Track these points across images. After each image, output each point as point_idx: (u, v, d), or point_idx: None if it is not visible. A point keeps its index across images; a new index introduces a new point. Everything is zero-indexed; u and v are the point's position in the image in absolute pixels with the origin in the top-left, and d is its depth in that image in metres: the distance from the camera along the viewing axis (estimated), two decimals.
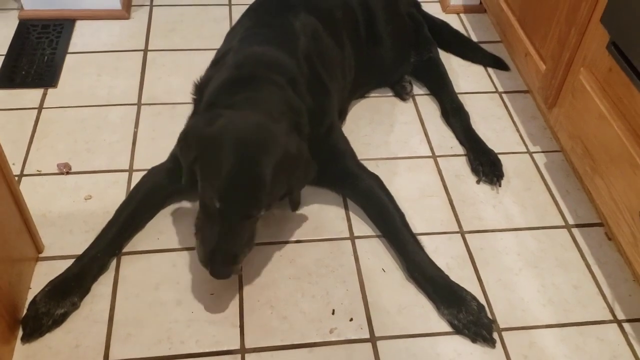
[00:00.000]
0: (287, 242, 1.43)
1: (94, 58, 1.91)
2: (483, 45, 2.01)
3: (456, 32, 2.03)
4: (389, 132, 1.73)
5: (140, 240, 1.41)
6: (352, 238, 1.46)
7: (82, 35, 1.98)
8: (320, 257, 1.41)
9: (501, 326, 1.31)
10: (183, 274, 1.35)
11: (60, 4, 2.01)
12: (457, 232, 1.49)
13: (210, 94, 1.32)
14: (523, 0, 1.72)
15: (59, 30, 1.99)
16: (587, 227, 1.52)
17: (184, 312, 1.29)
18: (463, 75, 1.93)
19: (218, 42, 1.63)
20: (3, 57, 1.87)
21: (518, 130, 1.77)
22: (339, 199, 1.54)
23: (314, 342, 1.26)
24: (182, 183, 1.27)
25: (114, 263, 1.36)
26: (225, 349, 1.24)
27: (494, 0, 1.92)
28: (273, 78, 1.31)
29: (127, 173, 1.57)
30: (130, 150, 1.62)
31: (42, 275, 1.31)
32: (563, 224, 1.53)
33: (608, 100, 1.29)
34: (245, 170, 1.17)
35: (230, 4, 2.16)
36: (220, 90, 1.31)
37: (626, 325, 1.33)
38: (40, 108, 1.73)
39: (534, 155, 1.70)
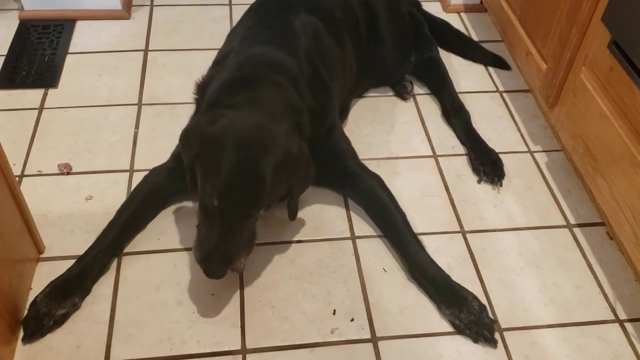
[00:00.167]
0: (288, 242, 1.43)
1: (94, 58, 1.91)
2: (484, 45, 2.01)
3: (457, 32, 2.03)
4: (390, 132, 1.73)
5: (141, 240, 1.41)
6: (353, 238, 1.46)
7: (83, 36, 1.98)
8: (321, 257, 1.41)
9: (503, 326, 1.30)
10: (184, 275, 1.35)
11: (61, 4, 2.01)
12: (458, 232, 1.49)
13: (212, 94, 1.32)
14: None
15: (59, 31, 1.99)
16: (589, 226, 1.52)
17: (184, 313, 1.29)
18: (464, 74, 1.93)
19: (218, 42, 1.63)
20: (3, 58, 1.87)
21: (519, 130, 1.76)
22: (340, 199, 1.53)
23: (315, 343, 1.26)
24: (185, 182, 1.27)
25: (114, 263, 1.36)
26: (226, 349, 1.24)
27: None
28: (274, 78, 1.31)
29: (127, 173, 1.56)
30: (131, 150, 1.62)
31: (43, 276, 1.31)
32: (564, 223, 1.53)
33: (609, 99, 1.28)
34: (246, 169, 1.16)
35: (230, 4, 2.16)
36: (222, 91, 1.31)
37: (628, 325, 1.33)
38: (40, 108, 1.73)
39: (535, 154, 1.70)
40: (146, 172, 1.47)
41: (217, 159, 1.17)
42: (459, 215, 1.52)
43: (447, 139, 1.72)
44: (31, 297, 1.27)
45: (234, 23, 1.68)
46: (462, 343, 1.27)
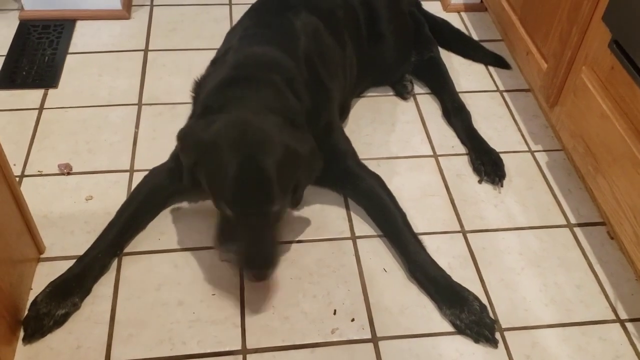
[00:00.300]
0: (288, 242, 1.43)
1: (94, 58, 1.91)
2: (484, 44, 2.01)
3: (457, 31, 2.03)
4: (390, 132, 1.73)
5: (142, 240, 1.41)
6: (354, 238, 1.46)
7: (83, 36, 1.98)
8: (321, 257, 1.40)
9: (503, 326, 1.30)
10: (184, 275, 1.35)
11: (61, 4, 2.01)
12: (458, 232, 1.48)
13: (206, 94, 1.32)
14: None
15: (59, 31, 1.98)
16: (590, 226, 1.52)
17: (185, 313, 1.29)
18: (464, 74, 1.93)
19: (218, 42, 1.63)
20: (4, 58, 1.87)
21: (519, 129, 1.76)
22: (340, 199, 1.53)
23: (316, 343, 1.25)
24: (184, 183, 1.27)
25: (115, 264, 1.36)
26: (226, 349, 1.24)
27: None
28: (270, 78, 1.30)
29: (128, 173, 1.56)
30: (131, 150, 1.62)
31: (43, 276, 1.31)
32: (565, 223, 1.52)
33: (610, 99, 1.28)
34: (247, 171, 1.16)
35: (230, 4, 2.16)
36: (216, 90, 1.30)
37: (629, 325, 1.32)
38: (41, 108, 1.73)
39: (535, 154, 1.69)
40: (146, 172, 1.47)
41: (216, 166, 1.17)
42: (460, 215, 1.52)
43: (447, 139, 1.72)
44: (31, 297, 1.27)
45: (234, 23, 1.67)
46: (462, 343, 1.27)
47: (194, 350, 1.23)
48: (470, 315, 1.28)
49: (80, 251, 1.33)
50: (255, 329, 1.27)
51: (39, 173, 1.55)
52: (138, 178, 1.48)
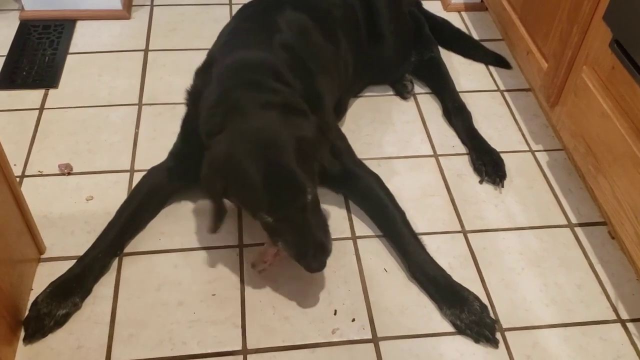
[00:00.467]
0: None
1: (94, 58, 1.91)
2: (484, 44, 2.01)
3: (457, 30, 2.02)
4: (391, 132, 1.73)
5: (142, 240, 1.41)
6: (354, 238, 1.46)
7: (83, 36, 1.98)
8: None
9: (504, 326, 1.30)
10: (185, 275, 1.35)
11: (61, 4, 2.01)
12: (459, 232, 1.48)
13: (205, 122, 1.28)
14: None
15: (59, 31, 1.98)
16: (590, 225, 1.52)
17: (185, 313, 1.29)
18: (464, 73, 1.92)
19: None
20: (4, 58, 1.87)
21: (520, 129, 1.76)
22: (340, 199, 1.53)
23: (316, 343, 1.25)
24: (217, 216, 1.25)
25: (115, 264, 1.36)
26: (227, 349, 1.24)
27: None
28: (256, 79, 1.28)
29: (128, 173, 1.56)
30: (131, 150, 1.62)
31: (44, 277, 1.31)
32: (566, 223, 1.52)
33: (611, 98, 1.28)
34: (272, 174, 1.16)
35: (230, 4, 2.15)
36: (211, 114, 1.27)
37: (630, 325, 1.32)
38: (41, 109, 1.73)
39: (536, 153, 1.69)
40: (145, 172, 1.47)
41: (243, 182, 1.17)
42: (460, 215, 1.52)
43: (447, 139, 1.72)
44: (32, 298, 1.27)
45: None
46: (463, 343, 1.27)
47: (194, 350, 1.23)
48: (470, 315, 1.28)
49: (81, 251, 1.33)
50: (255, 329, 1.27)
51: (40, 173, 1.55)
52: (138, 178, 1.48)
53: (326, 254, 1.22)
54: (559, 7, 1.49)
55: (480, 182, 1.60)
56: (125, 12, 2.06)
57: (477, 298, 1.31)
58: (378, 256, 1.42)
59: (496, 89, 1.89)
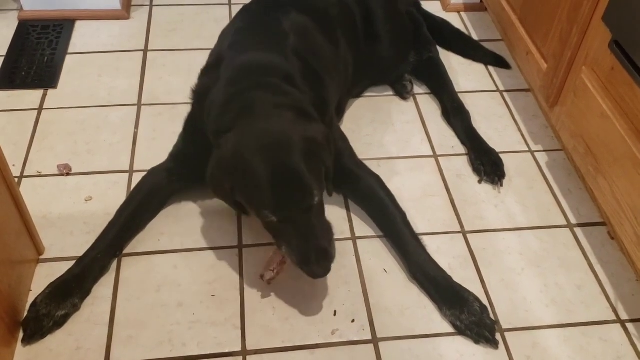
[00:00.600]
0: None
1: (94, 58, 1.90)
2: (484, 44, 2.01)
3: (457, 31, 2.02)
4: (390, 132, 1.73)
5: (141, 241, 1.41)
6: (354, 239, 1.45)
7: (82, 36, 1.98)
8: None
9: (504, 327, 1.30)
10: (184, 276, 1.35)
11: (60, 4, 2.01)
12: (459, 232, 1.48)
13: (215, 121, 1.28)
14: None
15: (58, 31, 1.98)
16: (590, 226, 1.52)
17: (185, 314, 1.28)
18: (464, 74, 1.92)
19: None
20: (3, 58, 1.87)
21: (519, 129, 1.76)
22: (340, 200, 1.53)
23: (316, 344, 1.25)
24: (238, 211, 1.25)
25: (115, 265, 1.36)
26: (226, 350, 1.23)
27: None
28: (268, 81, 1.29)
29: (127, 174, 1.56)
30: (131, 150, 1.62)
31: (43, 277, 1.31)
32: (565, 223, 1.52)
33: (610, 99, 1.28)
34: (279, 174, 1.16)
35: (230, 4, 2.15)
36: (221, 115, 1.27)
37: (629, 326, 1.32)
38: (40, 109, 1.72)
39: (535, 154, 1.69)
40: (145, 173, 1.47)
41: (249, 181, 1.17)
42: (460, 216, 1.52)
43: (447, 139, 1.72)
44: (31, 299, 1.27)
45: None
46: (463, 344, 1.27)
47: (193, 351, 1.23)
48: (470, 316, 1.27)
49: (80, 252, 1.33)
50: (255, 330, 1.27)
51: (38, 174, 1.55)
52: (138, 178, 1.48)
53: (329, 259, 1.21)
54: (559, 7, 1.49)
55: (479, 181, 1.60)
56: (125, 12, 2.05)
57: (477, 299, 1.31)
58: (378, 257, 1.42)
59: (496, 89, 1.89)
